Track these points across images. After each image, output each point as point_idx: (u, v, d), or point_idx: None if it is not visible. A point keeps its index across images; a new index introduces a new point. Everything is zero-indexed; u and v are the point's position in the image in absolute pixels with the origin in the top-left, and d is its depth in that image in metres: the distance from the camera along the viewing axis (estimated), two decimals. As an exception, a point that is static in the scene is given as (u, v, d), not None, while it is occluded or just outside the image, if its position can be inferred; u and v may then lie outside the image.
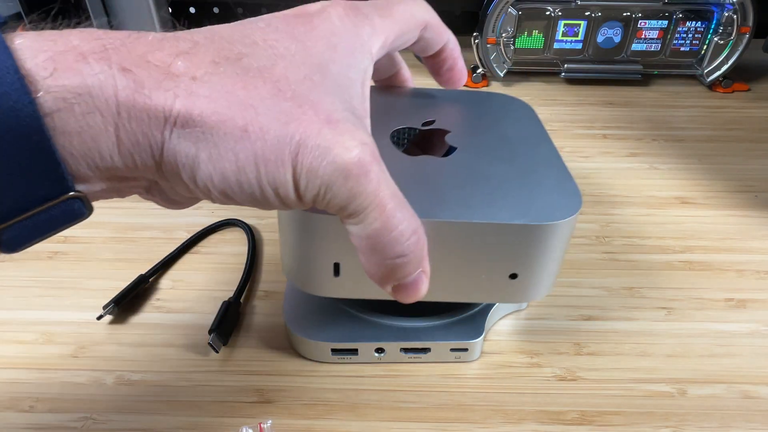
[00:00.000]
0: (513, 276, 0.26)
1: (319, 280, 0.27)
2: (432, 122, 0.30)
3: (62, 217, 0.18)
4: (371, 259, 0.21)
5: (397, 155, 0.28)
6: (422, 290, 0.23)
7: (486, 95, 0.35)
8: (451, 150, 0.28)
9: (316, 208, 0.20)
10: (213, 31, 0.20)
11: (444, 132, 0.30)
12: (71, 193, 0.17)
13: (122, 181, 0.19)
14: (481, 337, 0.31)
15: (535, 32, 0.61)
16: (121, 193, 0.20)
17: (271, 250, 0.40)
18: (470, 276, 0.26)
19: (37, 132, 0.16)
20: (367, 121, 0.22)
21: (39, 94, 0.16)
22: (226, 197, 0.19)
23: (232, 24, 0.21)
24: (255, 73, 0.19)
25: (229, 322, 0.33)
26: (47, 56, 0.16)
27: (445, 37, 0.28)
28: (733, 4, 0.59)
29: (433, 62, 0.30)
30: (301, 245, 0.26)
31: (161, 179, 0.19)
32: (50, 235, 0.18)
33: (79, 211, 0.18)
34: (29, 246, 0.18)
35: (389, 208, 0.20)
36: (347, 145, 0.19)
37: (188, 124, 0.17)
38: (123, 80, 0.17)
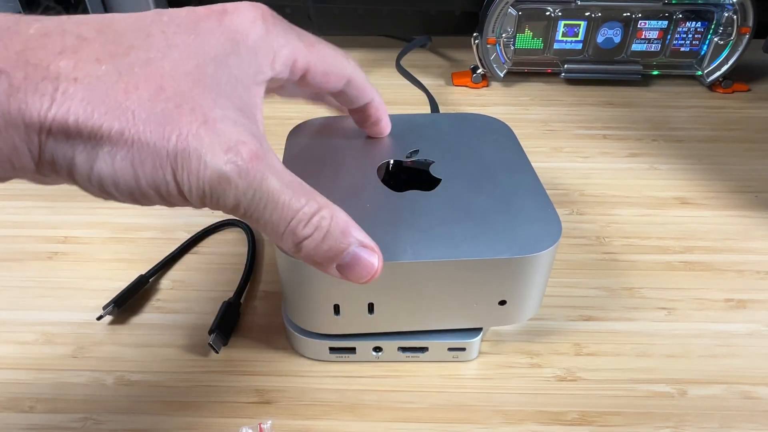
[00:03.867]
0: (502, 302, 0.28)
1: (320, 320, 0.29)
2: (416, 152, 0.32)
3: None
4: (287, 249, 0.21)
5: (384, 192, 0.29)
6: (365, 264, 0.22)
7: (466, 117, 0.36)
8: (435, 181, 0.30)
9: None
10: (107, 21, 0.20)
11: (428, 163, 0.31)
12: None
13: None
14: (479, 336, 0.31)
15: (534, 33, 0.61)
16: None
17: (271, 251, 0.40)
18: (462, 305, 0.28)
19: None
20: (259, 118, 0.22)
21: None
22: (106, 194, 0.19)
23: (137, 14, 0.21)
24: (139, 69, 0.19)
25: (229, 323, 0.33)
26: None
27: (369, 96, 0.29)
28: (733, 4, 0.59)
29: (358, 115, 0.31)
30: (302, 291, 0.28)
31: (40, 176, 0.19)
32: None
33: None
34: None
35: (282, 200, 0.20)
36: (223, 148, 0.19)
37: (64, 131, 0.17)
38: None
